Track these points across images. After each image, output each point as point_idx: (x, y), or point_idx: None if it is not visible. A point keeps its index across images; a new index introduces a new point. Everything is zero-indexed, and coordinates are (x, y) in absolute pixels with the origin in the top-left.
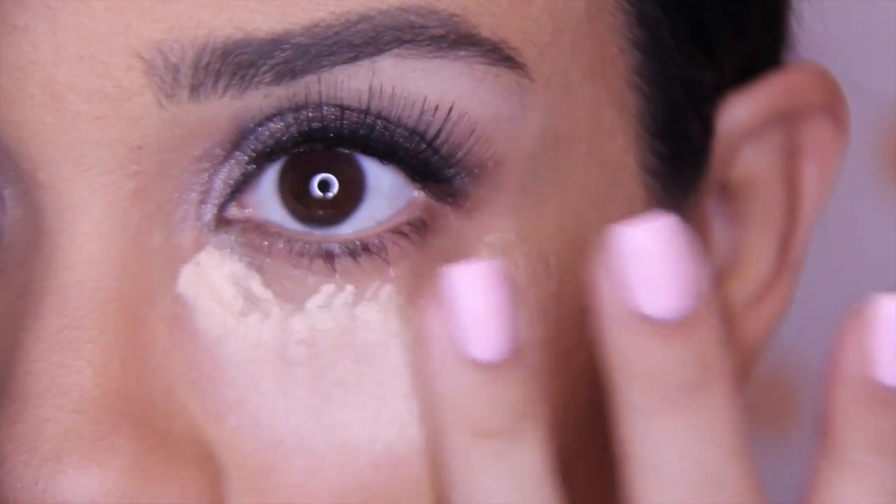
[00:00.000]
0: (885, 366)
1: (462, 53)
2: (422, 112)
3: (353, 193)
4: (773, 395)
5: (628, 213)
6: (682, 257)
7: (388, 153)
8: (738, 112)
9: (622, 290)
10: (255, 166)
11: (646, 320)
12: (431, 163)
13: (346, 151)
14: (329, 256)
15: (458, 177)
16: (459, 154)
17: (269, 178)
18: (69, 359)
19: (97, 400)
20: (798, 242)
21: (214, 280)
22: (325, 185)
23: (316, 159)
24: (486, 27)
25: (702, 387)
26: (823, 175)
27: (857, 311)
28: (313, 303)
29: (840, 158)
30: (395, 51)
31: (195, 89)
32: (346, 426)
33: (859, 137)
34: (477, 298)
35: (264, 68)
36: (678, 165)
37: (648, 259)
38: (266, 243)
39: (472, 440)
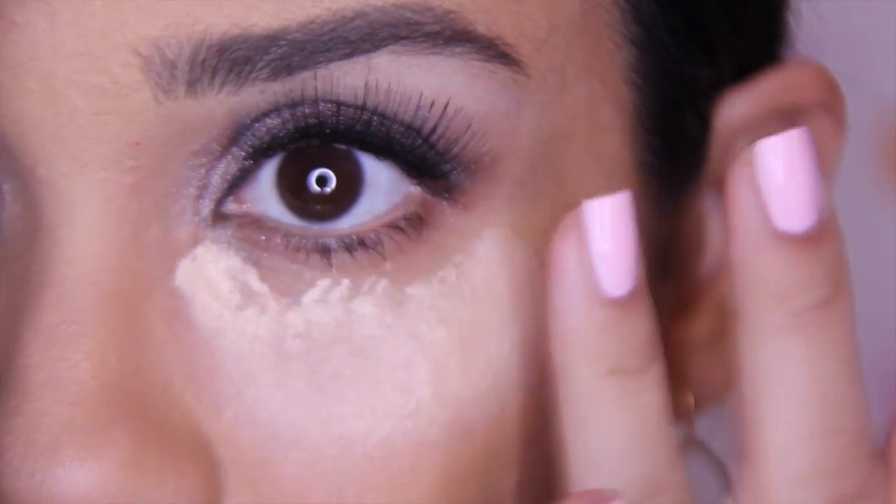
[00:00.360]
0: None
1: (458, 50)
2: (418, 108)
3: (350, 188)
4: None
5: None
6: (811, 170)
7: (385, 149)
8: (736, 108)
9: (759, 206)
10: (251, 162)
11: (782, 236)
12: (427, 158)
13: (344, 147)
14: (325, 251)
15: (454, 172)
16: (455, 149)
17: (267, 174)
18: (67, 352)
19: (95, 393)
20: None
21: (211, 274)
22: (322, 181)
23: (313, 155)
24: (482, 24)
25: (830, 303)
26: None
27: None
28: (309, 297)
29: (838, 155)
30: (391, 47)
31: (192, 85)
32: (343, 419)
33: (858, 137)
34: (611, 234)
35: (260, 64)
36: (674, 161)
37: (783, 174)
38: (263, 238)
39: (603, 378)
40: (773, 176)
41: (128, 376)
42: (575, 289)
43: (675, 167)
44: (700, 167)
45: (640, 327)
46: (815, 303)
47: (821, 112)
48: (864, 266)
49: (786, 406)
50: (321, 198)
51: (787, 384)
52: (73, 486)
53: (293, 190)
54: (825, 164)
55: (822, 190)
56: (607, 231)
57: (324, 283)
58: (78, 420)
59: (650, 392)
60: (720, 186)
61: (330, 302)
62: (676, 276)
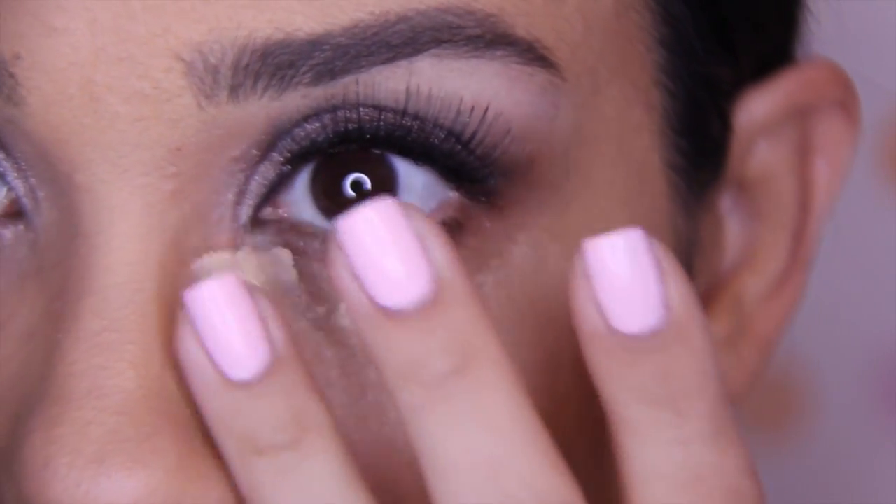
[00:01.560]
0: (618, 313)
1: (498, 53)
2: (458, 113)
3: (385, 193)
4: (770, 393)
5: (654, 210)
6: (408, 240)
7: (424, 154)
8: (755, 108)
9: (358, 284)
10: (290, 167)
11: (387, 313)
12: (467, 164)
13: (378, 151)
14: None
15: (493, 177)
16: (495, 155)
17: (302, 179)
18: (110, 360)
19: (140, 401)
20: (810, 237)
21: (250, 280)
22: (357, 186)
23: (348, 159)
24: (521, 27)
25: (465, 371)
26: (834, 170)
27: (574, 266)
28: None
29: (851, 153)
30: (433, 51)
31: (234, 90)
32: (382, 425)
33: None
34: (221, 320)
35: (304, 69)
36: (699, 162)
37: (371, 248)
38: (302, 243)
39: (254, 459)
40: (363, 252)
41: (171, 383)
42: (202, 377)
43: (700, 168)
44: (721, 167)
45: (281, 400)
46: (448, 374)
47: (835, 110)
48: (865, 265)
49: (450, 483)
50: (357, 203)
51: (444, 461)
52: (120, 496)
53: (329, 195)
54: (835, 164)
55: (425, 255)
56: (217, 318)
57: None
58: (123, 429)
59: (315, 461)
60: (738, 186)
61: None
62: (698, 276)
